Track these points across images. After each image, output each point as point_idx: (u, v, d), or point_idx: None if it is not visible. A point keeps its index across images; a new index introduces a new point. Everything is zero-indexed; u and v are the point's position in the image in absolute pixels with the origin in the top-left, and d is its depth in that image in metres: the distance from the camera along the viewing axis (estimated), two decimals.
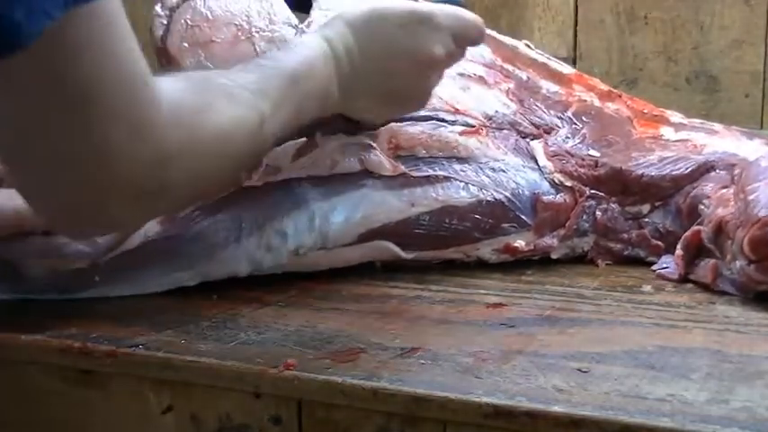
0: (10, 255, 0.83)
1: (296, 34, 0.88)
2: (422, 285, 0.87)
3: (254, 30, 0.88)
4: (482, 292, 0.85)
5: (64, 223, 0.66)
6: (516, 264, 0.92)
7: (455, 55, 0.89)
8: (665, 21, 1.30)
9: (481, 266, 0.92)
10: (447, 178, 0.92)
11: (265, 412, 0.70)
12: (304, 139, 0.86)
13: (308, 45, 0.81)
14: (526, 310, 0.80)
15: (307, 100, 0.79)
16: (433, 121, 0.94)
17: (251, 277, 0.88)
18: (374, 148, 0.90)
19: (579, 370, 0.67)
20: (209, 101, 0.68)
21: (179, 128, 0.64)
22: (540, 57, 1.06)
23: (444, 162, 0.93)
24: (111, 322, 0.79)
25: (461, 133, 0.94)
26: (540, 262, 0.93)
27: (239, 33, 0.89)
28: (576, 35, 1.33)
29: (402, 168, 0.91)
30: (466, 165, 0.93)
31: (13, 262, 0.84)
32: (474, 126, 0.96)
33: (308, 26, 0.91)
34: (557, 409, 0.62)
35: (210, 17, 0.88)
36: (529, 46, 1.06)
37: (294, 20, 0.90)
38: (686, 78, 1.29)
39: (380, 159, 0.90)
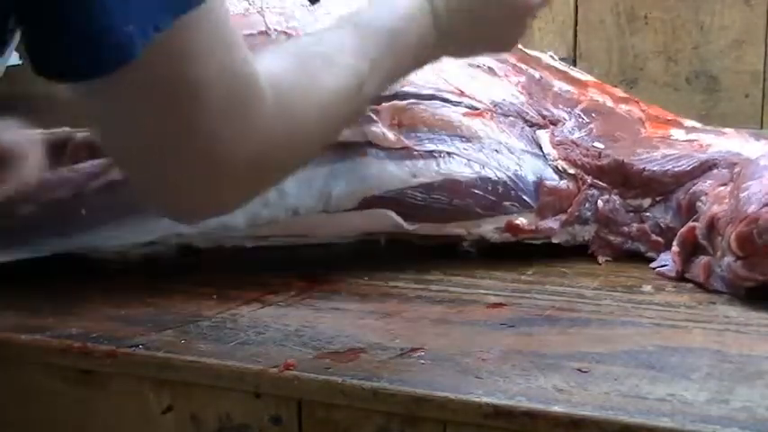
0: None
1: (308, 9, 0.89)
2: (422, 285, 0.87)
3: (264, 4, 0.88)
4: (482, 292, 0.85)
5: (179, 212, 0.69)
6: (516, 264, 0.92)
7: None
8: (665, 21, 1.30)
9: (481, 266, 0.92)
10: (449, 154, 0.92)
11: (265, 412, 0.70)
12: None
13: (411, 4, 0.79)
14: (526, 310, 0.80)
15: (404, 56, 0.78)
16: (437, 101, 0.94)
17: (251, 277, 0.88)
18: (376, 121, 0.90)
19: (579, 370, 0.67)
20: (310, 78, 0.68)
21: (284, 115, 0.64)
22: (562, 66, 1.06)
23: (447, 139, 0.93)
24: (111, 322, 0.79)
25: (465, 114, 0.94)
26: (540, 262, 0.93)
27: (249, 7, 0.89)
28: (575, 35, 1.33)
29: (405, 141, 0.91)
30: (468, 143, 0.93)
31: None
32: (479, 109, 0.96)
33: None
34: (556, 409, 0.62)
35: None
36: (553, 57, 1.07)
37: None
38: (686, 78, 1.29)
39: (383, 131, 0.90)
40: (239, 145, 0.61)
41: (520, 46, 1.03)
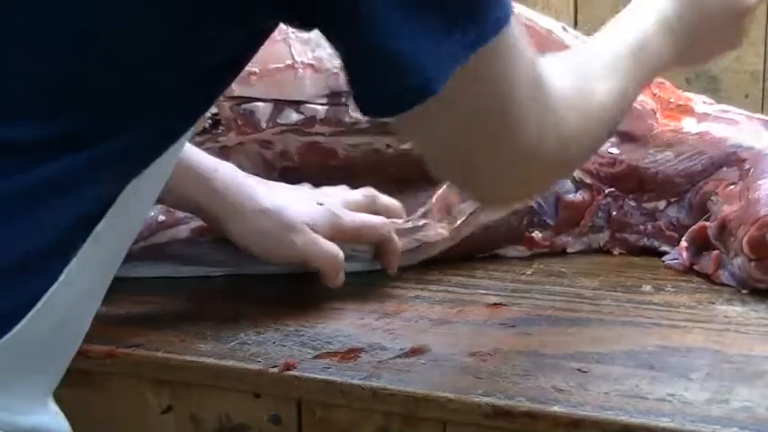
0: None
1: None
2: (422, 285, 0.87)
3: (290, 30, 0.88)
4: (482, 292, 0.85)
5: (496, 202, 0.79)
6: (516, 264, 0.92)
7: None
8: None
9: (481, 266, 0.92)
10: None
11: (265, 412, 0.70)
12: None
13: (647, 18, 0.79)
14: (526, 310, 0.80)
15: (650, 77, 0.80)
16: None
17: (251, 277, 0.88)
18: (427, 224, 0.91)
19: (579, 370, 0.67)
20: (588, 81, 0.71)
21: (571, 113, 0.67)
22: (575, 41, 1.06)
23: None
24: (111, 322, 0.79)
25: None
26: (540, 262, 0.93)
27: (276, 34, 0.89)
28: None
29: (456, 226, 0.91)
30: None
31: None
32: None
33: None
34: (556, 409, 0.62)
35: None
36: (565, 29, 1.07)
37: None
38: (686, 78, 1.29)
39: (437, 232, 0.91)
40: (543, 142, 0.64)
41: (531, 14, 1.04)
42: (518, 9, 1.06)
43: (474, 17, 0.57)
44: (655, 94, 1.03)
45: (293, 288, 0.87)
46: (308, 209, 0.84)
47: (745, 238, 0.81)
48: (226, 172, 0.82)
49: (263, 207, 0.82)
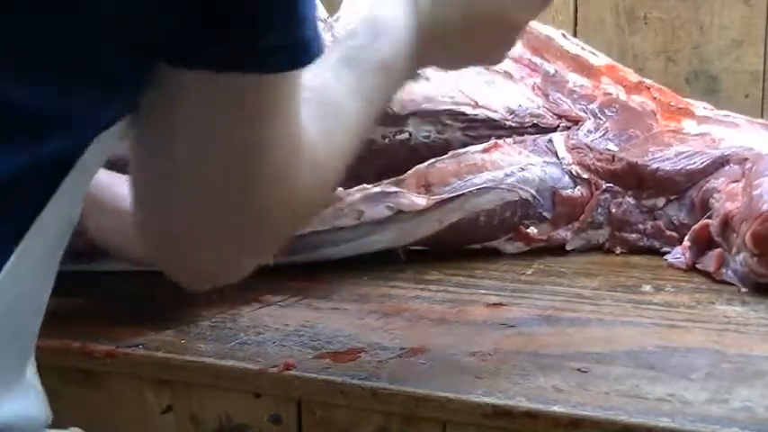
0: None
1: (324, 29, 0.89)
2: (422, 285, 0.87)
3: None
4: (482, 292, 0.85)
5: (198, 276, 0.66)
6: (516, 264, 0.92)
7: (537, 10, 0.87)
8: (664, 21, 1.30)
9: (481, 266, 0.92)
10: (472, 192, 0.93)
11: (265, 412, 0.70)
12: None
13: (397, 24, 0.77)
14: (526, 310, 0.80)
15: (395, 84, 0.78)
16: (453, 117, 0.97)
17: (251, 277, 0.88)
18: (401, 191, 0.91)
19: (579, 370, 0.67)
20: (331, 129, 0.67)
21: (315, 175, 0.64)
22: (575, 48, 1.07)
23: (474, 179, 0.94)
24: (111, 322, 0.79)
25: (484, 150, 0.95)
26: (540, 261, 0.93)
27: None
28: (575, 35, 1.32)
29: (436, 198, 0.92)
30: (493, 174, 0.95)
31: None
32: (496, 120, 0.98)
33: (336, 20, 0.91)
34: (556, 409, 0.62)
35: None
36: (565, 36, 1.08)
37: (323, 13, 0.91)
38: (686, 78, 1.29)
39: (411, 200, 0.91)
40: (282, 208, 0.61)
41: (532, 23, 1.03)
42: None
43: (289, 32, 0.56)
44: (655, 98, 1.04)
45: (293, 288, 0.87)
46: None
47: (749, 233, 0.81)
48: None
49: (122, 205, 0.81)
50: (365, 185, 0.91)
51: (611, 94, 1.03)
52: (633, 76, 1.06)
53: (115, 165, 0.67)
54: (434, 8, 0.78)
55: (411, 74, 0.79)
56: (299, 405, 0.69)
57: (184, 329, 0.77)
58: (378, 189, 0.91)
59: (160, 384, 0.73)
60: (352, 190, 0.90)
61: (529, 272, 0.91)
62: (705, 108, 1.04)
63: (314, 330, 0.76)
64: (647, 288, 0.86)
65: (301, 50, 0.57)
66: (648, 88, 1.05)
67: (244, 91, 0.56)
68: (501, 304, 0.82)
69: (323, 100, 0.68)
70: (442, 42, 0.79)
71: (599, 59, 1.07)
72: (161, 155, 0.59)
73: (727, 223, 0.86)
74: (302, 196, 0.63)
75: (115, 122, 0.57)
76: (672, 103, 1.04)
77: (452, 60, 0.84)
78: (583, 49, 1.08)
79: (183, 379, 0.72)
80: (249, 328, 0.77)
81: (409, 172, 0.93)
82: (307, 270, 0.91)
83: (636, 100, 1.03)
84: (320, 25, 0.88)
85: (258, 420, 0.70)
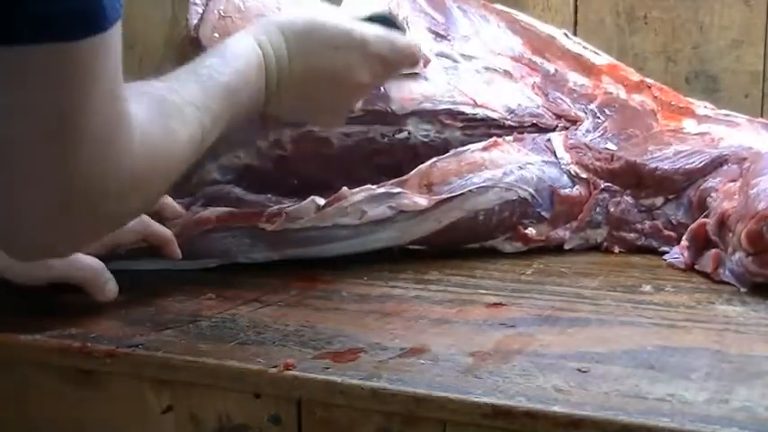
0: None
1: None
2: (422, 285, 0.87)
3: None
4: (482, 292, 0.85)
5: (25, 245, 0.66)
6: (516, 264, 0.92)
7: (382, 79, 0.91)
8: (664, 21, 1.30)
9: (481, 266, 0.92)
10: (471, 191, 0.94)
11: (265, 412, 0.70)
12: (331, 198, 0.90)
13: (242, 55, 0.81)
14: (526, 310, 0.80)
15: (239, 109, 0.80)
16: (453, 116, 0.97)
17: (250, 277, 0.88)
18: (404, 192, 0.91)
19: (579, 370, 0.67)
20: (167, 129, 0.70)
21: (146, 159, 0.66)
22: (576, 47, 1.07)
23: (474, 178, 0.94)
24: (111, 322, 0.79)
25: (484, 149, 0.95)
26: (539, 261, 0.93)
27: None
28: (575, 35, 1.33)
29: (438, 198, 0.92)
30: (492, 172, 0.95)
31: None
32: (496, 119, 0.98)
33: None
34: (556, 409, 0.62)
35: (243, 8, 0.91)
36: (567, 35, 1.08)
37: None
38: (686, 78, 1.29)
39: (413, 200, 0.91)
40: (104, 178, 0.62)
41: (532, 21, 1.05)
42: (520, 16, 1.08)
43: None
44: (656, 97, 1.04)
45: (293, 288, 0.87)
46: None
47: (744, 232, 0.82)
48: None
49: None
50: (369, 186, 0.91)
51: (611, 93, 1.04)
52: (635, 76, 1.07)
53: None
54: (280, 60, 0.83)
55: (254, 110, 0.83)
56: (299, 405, 0.69)
57: (184, 329, 0.77)
58: (381, 190, 0.91)
59: (160, 384, 0.73)
60: (355, 190, 0.91)
61: (529, 272, 0.91)
62: (706, 107, 1.05)
63: (314, 330, 0.76)
64: (647, 288, 0.86)
65: (93, 16, 0.57)
66: (650, 87, 1.05)
67: (42, 62, 0.57)
68: (501, 304, 0.82)
69: (164, 102, 0.71)
70: (285, 91, 0.83)
71: (601, 59, 1.08)
72: None
73: (723, 222, 0.87)
74: (125, 172, 0.63)
75: None
76: (673, 103, 1.04)
77: (293, 112, 0.88)
78: (585, 48, 1.08)
79: (183, 379, 0.72)
80: (249, 328, 0.77)
81: (412, 172, 0.93)
82: (307, 270, 0.91)
83: (636, 99, 1.04)
84: None
85: (258, 420, 0.70)
